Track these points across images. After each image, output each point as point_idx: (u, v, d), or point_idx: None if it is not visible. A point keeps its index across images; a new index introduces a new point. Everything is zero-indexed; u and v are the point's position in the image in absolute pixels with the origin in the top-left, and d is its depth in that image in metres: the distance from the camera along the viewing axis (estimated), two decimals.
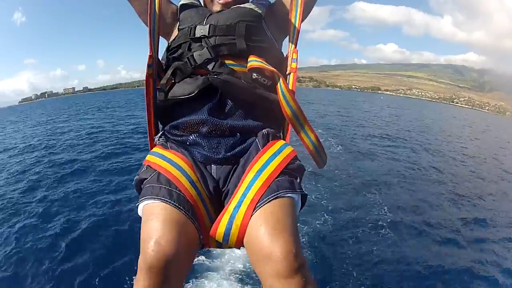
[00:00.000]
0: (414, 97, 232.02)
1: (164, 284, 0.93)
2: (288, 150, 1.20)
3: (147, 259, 0.92)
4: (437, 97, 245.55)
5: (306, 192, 1.16)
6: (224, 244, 1.08)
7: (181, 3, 1.50)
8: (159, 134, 1.35)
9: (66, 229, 6.78)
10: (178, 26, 1.43)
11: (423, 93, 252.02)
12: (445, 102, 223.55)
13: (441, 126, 35.42)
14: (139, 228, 0.96)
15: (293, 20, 1.39)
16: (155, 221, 0.99)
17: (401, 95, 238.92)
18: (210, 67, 1.27)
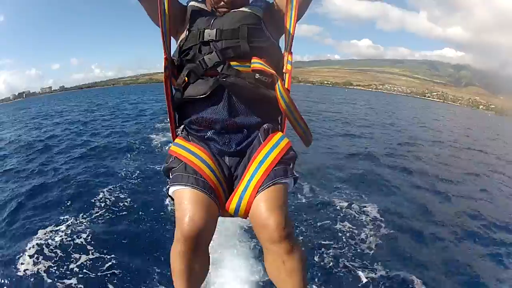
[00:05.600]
0: (385, 91, 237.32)
1: (196, 249, 1.25)
2: (284, 142, 1.49)
3: (183, 231, 1.22)
4: (409, 91, 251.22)
5: (297, 175, 1.47)
6: (234, 215, 1.42)
7: (190, 4, 1.69)
8: (181, 128, 1.62)
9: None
10: (188, 27, 1.60)
11: (395, 88, 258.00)
12: (417, 96, 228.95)
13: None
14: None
15: (288, 23, 1.55)
16: (188, 203, 1.30)
17: (372, 90, 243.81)
18: (219, 69, 1.48)
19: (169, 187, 1.43)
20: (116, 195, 8.16)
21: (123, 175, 9.71)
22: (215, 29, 1.51)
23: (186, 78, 1.52)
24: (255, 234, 1.35)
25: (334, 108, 32.41)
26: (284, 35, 1.60)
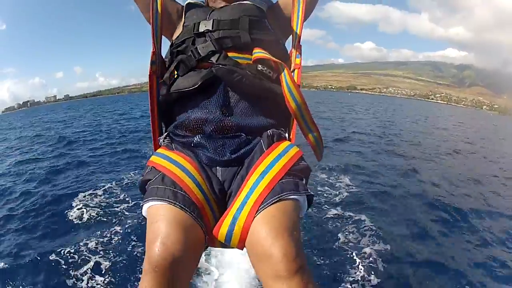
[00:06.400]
0: (389, 94, 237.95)
1: (169, 285, 0.92)
2: (293, 151, 1.18)
3: (152, 259, 0.91)
4: (412, 94, 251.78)
5: (312, 193, 1.14)
6: (226, 244, 1.08)
7: (187, 2, 1.52)
8: (164, 135, 1.35)
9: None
10: (183, 24, 1.45)
11: (398, 91, 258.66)
12: (421, 98, 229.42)
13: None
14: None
15: (295, 19, 1.40)
16: (161, 222, 0.99)
17: (376, 93, 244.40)
18: (214, 59, 1.26)
19: (142, 205, 1.13)
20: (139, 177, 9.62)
21: (145, 162, 11.25)
22: (211, 20, 1.34)
23: (176, 72, 1.32)
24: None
25: (334, 112, 33.33)
26: (291, 33, 1.44)
